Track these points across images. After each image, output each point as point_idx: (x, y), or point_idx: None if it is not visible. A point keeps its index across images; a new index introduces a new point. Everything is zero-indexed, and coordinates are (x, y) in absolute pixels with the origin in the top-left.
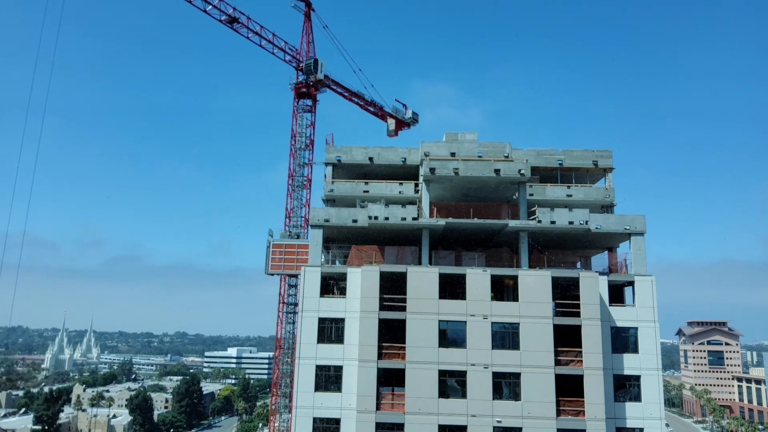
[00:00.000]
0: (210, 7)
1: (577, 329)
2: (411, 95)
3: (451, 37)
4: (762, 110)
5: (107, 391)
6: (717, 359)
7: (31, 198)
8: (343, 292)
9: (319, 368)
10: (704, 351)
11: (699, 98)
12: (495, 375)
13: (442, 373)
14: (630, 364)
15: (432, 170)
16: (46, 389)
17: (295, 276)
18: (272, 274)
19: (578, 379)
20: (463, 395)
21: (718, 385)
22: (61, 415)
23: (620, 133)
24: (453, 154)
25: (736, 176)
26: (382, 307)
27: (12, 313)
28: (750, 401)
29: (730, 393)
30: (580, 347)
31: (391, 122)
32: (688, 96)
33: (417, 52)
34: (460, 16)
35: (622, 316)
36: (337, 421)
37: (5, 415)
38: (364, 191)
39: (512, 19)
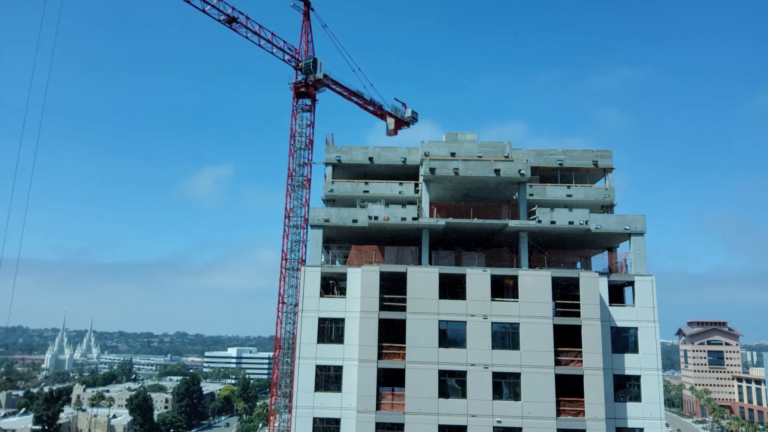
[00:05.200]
0: (209, 6)
1: (577, 329)
2: (410, 94)
3: (450, 35)
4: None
5: (107, 391)
6: (717, 359)
7: (34, 197)
8: (343, 292)
9: (319, 368)
10: (704, 351)
11: (700, 94)
12: (495, 375)
13: (442, 373)
14: (630, 364)
15: (432, 170)
16: (46, 389)
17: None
18: None
19: (578, 379)
20: (463, 395)
21: (718, 385)
22: (61, 415)
23: (623, 130)
24: (453, 154)
25: (737, 173)
26: (382, 307)
27: (11, 312)
28: (750, 401)
29: (730, 393)
30: (580, 347)
31: (391, 121)
32: (689, 92)
33: (417, 51)
34: (459, 15)
35: (622, 316)
36: (337, 421)
37: (5, 415)
38: (364, 191)
39: (511, 17)
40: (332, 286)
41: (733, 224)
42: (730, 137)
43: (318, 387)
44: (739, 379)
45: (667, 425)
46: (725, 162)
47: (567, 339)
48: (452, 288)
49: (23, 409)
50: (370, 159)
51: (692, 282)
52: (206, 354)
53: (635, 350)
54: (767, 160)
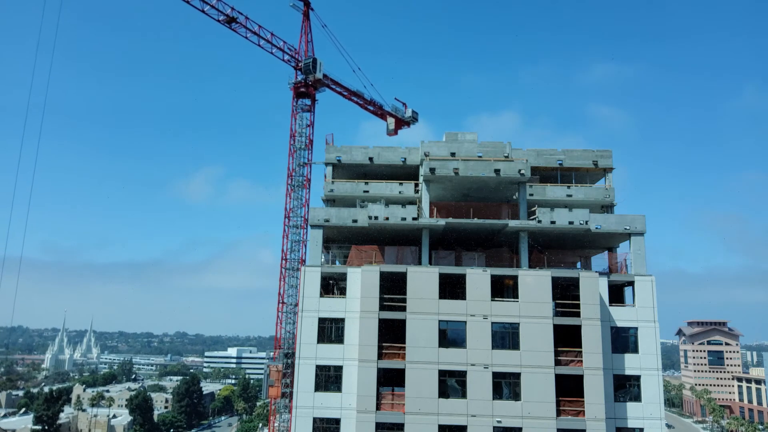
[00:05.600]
0: (208, 7)
1: (577, 329)
2: (409, 94)
3: (449, 33)
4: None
5: (107, 391)
6: (717, 359)
7: (32, 196)
8: (343, 292)
9: (319, 368)
10: (704, 351)
11: (698, 93)
12: (495, 375)
13: (442, 373)
14: (630, 364)
15: (432, 170)
16: (46, 389)
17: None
18: None
19: (578, 379)
20: (463, 395)
21: (718, 385)
22: (61, 415)
23: (621, 129)
24: (453, 154)
25: (735, 172)
26: (382, 307)
27: (13, 312)
28: (750, 401)
29: (730, 393)
30: (580, 347)
31: (391, 121)
32: (687, 90)
33: (416, 51)
34: (458, 14)
35: (622, 316)
36: (337, 421)
37: (5, 415)
38: (364, 191)
39: (509, 15)
40: (332, 286)
41: (731, 224)
42: (729, 136)
43: (318, 387)
44: (739, 379)
45: (668, 425)
46: (724, 161)
47: (567, 339)
48: (452, 288)
49: (23, 409)
50: (370, 159)
51: (691, 282)
52: (206, 354)
53: (635, 350)
54: (766, 159)
